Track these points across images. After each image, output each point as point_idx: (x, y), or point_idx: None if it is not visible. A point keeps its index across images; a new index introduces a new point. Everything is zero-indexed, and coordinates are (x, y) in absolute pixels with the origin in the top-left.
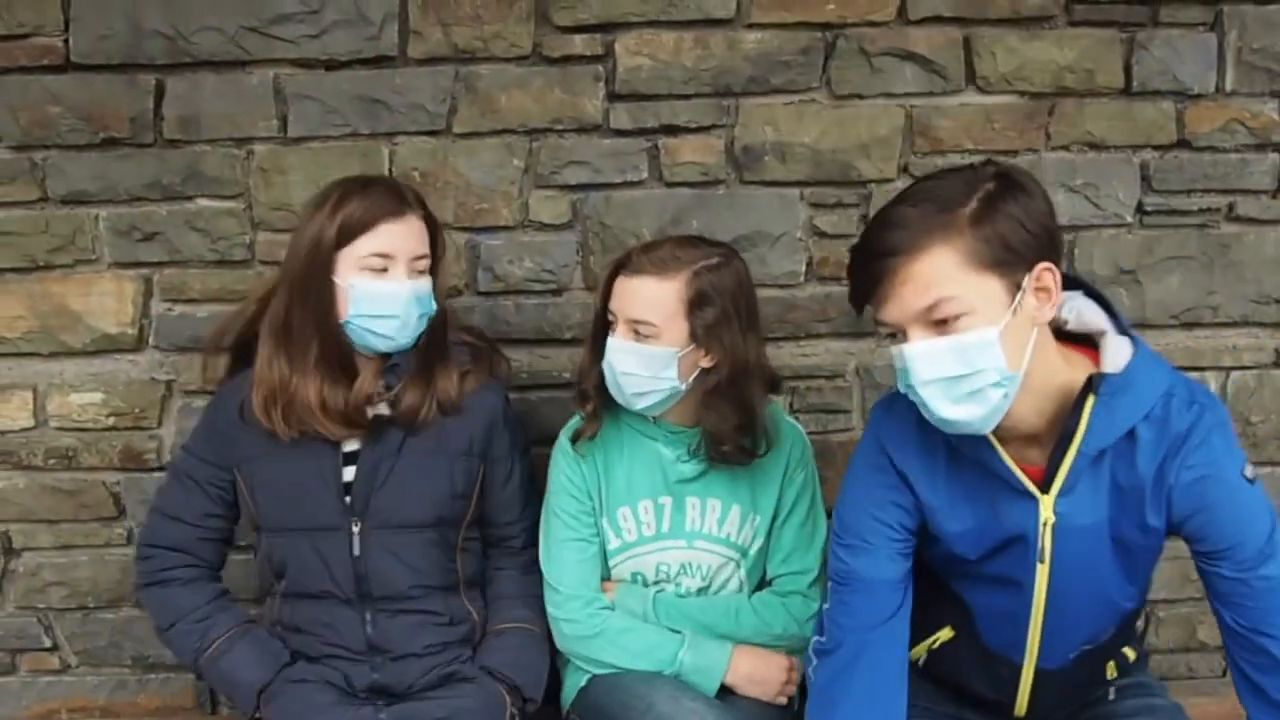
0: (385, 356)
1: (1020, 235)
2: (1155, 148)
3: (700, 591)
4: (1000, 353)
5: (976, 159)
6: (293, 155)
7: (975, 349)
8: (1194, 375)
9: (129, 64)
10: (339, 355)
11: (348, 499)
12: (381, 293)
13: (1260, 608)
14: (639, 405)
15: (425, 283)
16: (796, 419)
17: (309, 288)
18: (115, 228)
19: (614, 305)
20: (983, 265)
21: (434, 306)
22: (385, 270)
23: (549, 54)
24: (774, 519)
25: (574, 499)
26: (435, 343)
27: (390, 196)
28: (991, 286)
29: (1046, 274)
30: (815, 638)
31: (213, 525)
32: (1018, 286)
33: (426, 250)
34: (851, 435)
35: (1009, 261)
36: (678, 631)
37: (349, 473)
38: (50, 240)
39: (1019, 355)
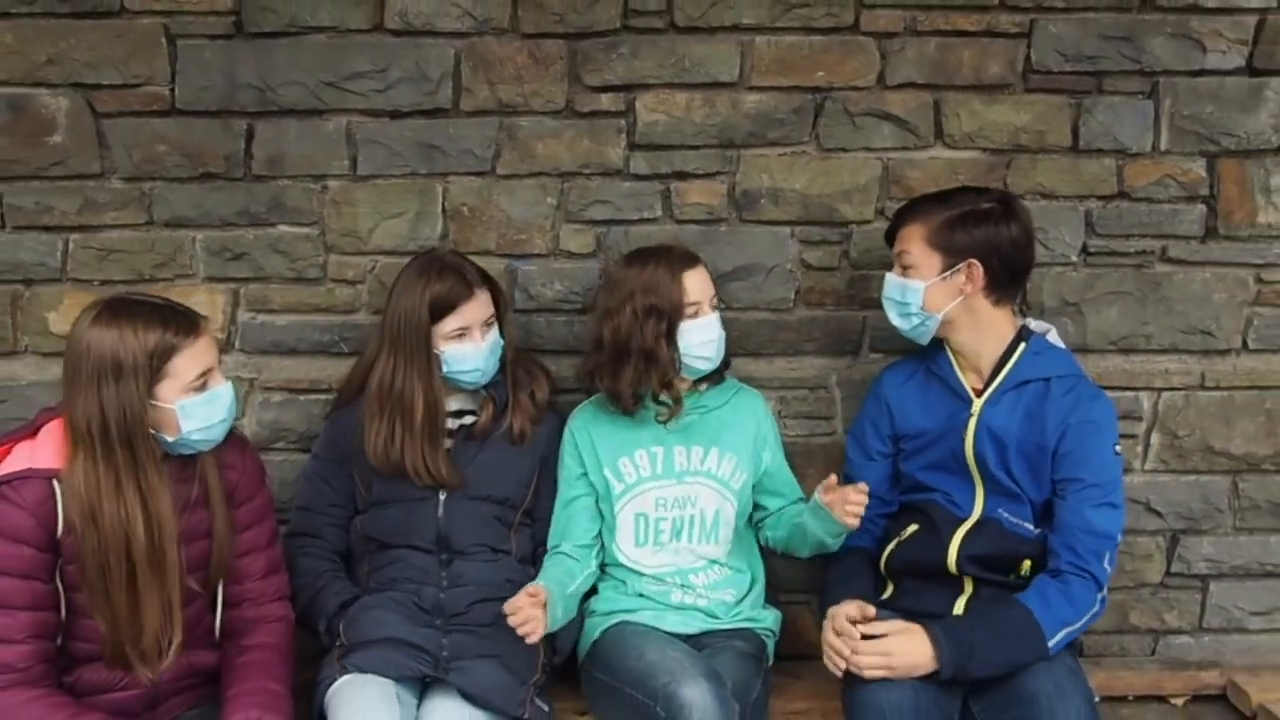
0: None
1: (966, 242)
2: (1098, 198)
3: (698, 525)
4: (921, 297)
5: None
6: (361, 190)
7: (909, 289)
8: (1128, 395)
9: (224, 111)
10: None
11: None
12: (463, 354)
13: (1075, 543)
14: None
15: (493, 332)
16: (785, 424)
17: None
18: (209, 248)
19: (696, 295)
20: (932, 246)
21: (502, 345)
22: (466, 337)
23: (579, 109)
24: (763, 475)
25: (567, 466)
26: (509, 379)
27: (458, 283)
28: (933, 259)
29: (973, 268)
30: None
31: (335, 514)
32: (950, 266)
33: (491, 312)
34: (833, 439)
35: (950, 250)
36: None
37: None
38: (154, 258)
39: (938, 304)
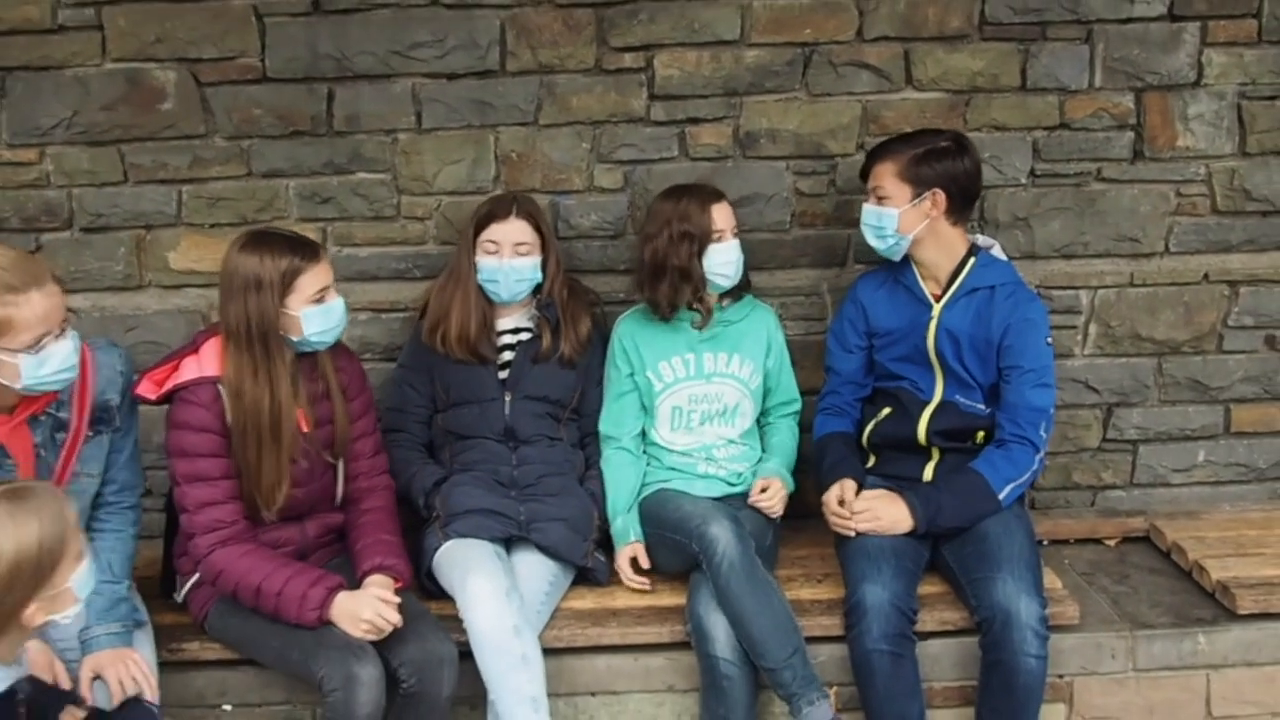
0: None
1: (929, 174)
2: (1043, 129)
3: (722, 414)
4: (896, 222)
5: None
6: (425, 141)
7: (884, 215)
8: (1069, 293)
9: (309, 77)
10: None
11: (504, 382)
12: (488, 266)
13: (1017, 417)
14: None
15: (526, 260)
16: (786, 325)
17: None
18: (301, 194)
19: (721, 224)
20: (902, 179)
21: (538, 276)
22: (495, 253)
23: (607, 67)
24: (765, 375)
25: (617, 368)
26: (560, 305)
27: (501, 204)
28: (904, 190)
29: (937, 194)
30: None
31: (420, 412)
32: (918, 195)
33: (527, 239)
34: (825, 335)
35: (917, 182)
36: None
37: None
38: (255, 204)
39: (909, 227)
